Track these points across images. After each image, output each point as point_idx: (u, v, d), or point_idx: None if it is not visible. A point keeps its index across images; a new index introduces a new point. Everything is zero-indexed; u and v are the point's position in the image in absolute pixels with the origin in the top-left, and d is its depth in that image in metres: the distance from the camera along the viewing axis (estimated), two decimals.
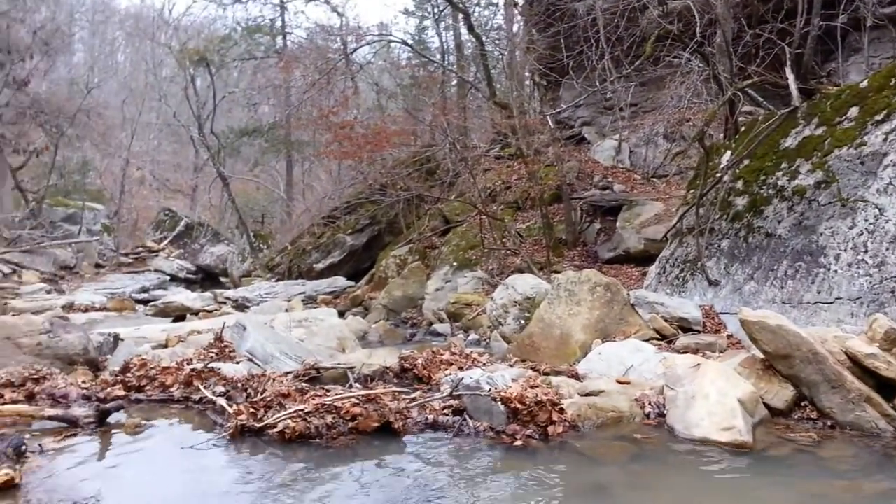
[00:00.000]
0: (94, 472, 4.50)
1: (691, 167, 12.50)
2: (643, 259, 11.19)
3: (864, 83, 8.29)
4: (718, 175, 9.30)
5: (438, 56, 22.48)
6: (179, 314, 13.72)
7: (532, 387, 5.22)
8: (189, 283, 22.61)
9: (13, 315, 10.60)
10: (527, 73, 17.65)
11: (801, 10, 10.38)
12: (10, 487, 4.03)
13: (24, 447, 4.58)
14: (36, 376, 6.06)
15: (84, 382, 6.33)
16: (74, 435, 5.11)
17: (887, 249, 6.88)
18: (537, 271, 11.20)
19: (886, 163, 7.34)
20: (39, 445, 4.81)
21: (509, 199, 14.80)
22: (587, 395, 5.67)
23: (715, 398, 5.03)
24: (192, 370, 6.19)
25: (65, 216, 27.85)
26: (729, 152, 9.71)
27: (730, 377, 5.30)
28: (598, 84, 10.99)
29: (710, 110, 10.45)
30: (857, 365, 5.16)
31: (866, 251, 7.05)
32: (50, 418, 5.34)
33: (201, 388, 5.88)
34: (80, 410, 5.46)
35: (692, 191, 9.95)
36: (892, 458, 4.55)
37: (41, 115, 23.58)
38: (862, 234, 7.19)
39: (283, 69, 21.70)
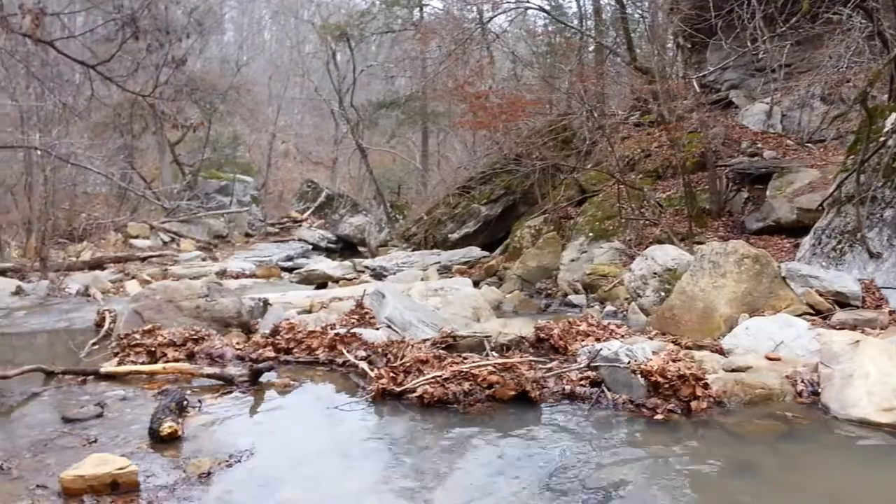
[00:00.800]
0: (248, 427, 4.79)
1: (851, 131, 11.59)
2: (795, 230, 10.54)
3: None
4: (882, 139, 8.57)
5: (576, 21, 21.93)
6: (321, 282, 14.26)
7: (674, 360, 5.06)
8: (329, 252, 23.43)
9: (173, 280, 11.41)
10: (669, 36, 16.90)
11: None
12: (174, 439, 4.36)
13: (185, 402, 4.93)
14: (195, 337, 6.50)
15: (238, 344, 6.74)
16: (230, 392, 5.45)
17: None
18: (678, 242, 10.79)
19: None
20: (199, 401, 5.16)
21: (648, 167, 14.29)
22: (733, 370, 5.44)
23: (876, 377, 4.70)
24: (336, 335, 6.43)
25: (217, 188, 29.55)
26: (894, 115, 8.92)
27: (892, 355, 4.93)
28: (748, 44, 10.32)
29: (873, 70, 9.62)
30: None
31: None
32: (208, 376, 5.73)
33: (345, 351, 6.11)
34: (235, 369, 5.82)
35: (852, 156, 9.23)
36: None
37: (196, 92, 25.03)
38: None
39: (420, 41, 21.87)
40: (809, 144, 13.39)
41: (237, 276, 15.84)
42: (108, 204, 24.32)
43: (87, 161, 16.92)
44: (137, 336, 6.54)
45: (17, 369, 5.76)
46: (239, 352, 6.43)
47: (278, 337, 6.63)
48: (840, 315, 7.00)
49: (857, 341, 5.17)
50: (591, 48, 20.39)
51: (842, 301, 7.33)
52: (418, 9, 27.04)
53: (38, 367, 5.93)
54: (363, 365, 5.71)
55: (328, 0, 36.08)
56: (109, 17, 11.87)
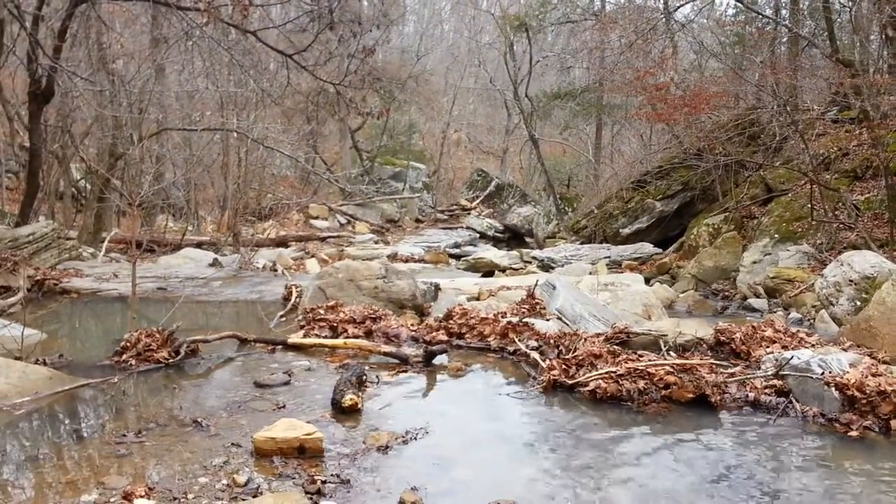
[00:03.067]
0: (422, 406, 4.94)
1: None
2: None
3: None
4: None
5: (769, 10, 20.66)
6: (488, 270, 14.37)
7: (874, 374, 4.67)
8: (496, 241, 23.61)
9: (350, 260, 11.95)
10: (874, 27, 15.52)
11: None
12: (354, 411, 4.57)
13: (364, 377, 5.16)
14: (373, 315, 6.78)
15: (412, 325, 6.95)
16: (405, 371, 5.65)
17: None
18: (877, 249, 9.93)
19: None
20: (377, 377, 5.39)
21: (846, 167, 13.22)
22: None
23: None
24: (508, 323, 6.46)
25: (392, 174, 30.64)
26: None
27: None
28: None
29: None
30: None
31: None
32: (385, 354, 5.96)
33: (516, 340, 6.12)
34: (410, 350, 6.02)
35: None
36: None
37: (377, 81, 26.03)
38: None
39: (600, 31, 21.47)
40: None
41: (406, 260, 16.31)
42: (292, 186, 25.86)
43: (277, 145, 18.03)
44: (322, 311, 6.91)
45: (217, 335, 6.27)
46: (413, 333, 6.62)
47: (451, 321, 6.76)
48: None
49: None
50: (784, 39, 19.14)
51: None
52: None
53: (233, 334, 6.43)
54: (535, 355, 5.70)
55: None
56: (306, 9, 12.62)
